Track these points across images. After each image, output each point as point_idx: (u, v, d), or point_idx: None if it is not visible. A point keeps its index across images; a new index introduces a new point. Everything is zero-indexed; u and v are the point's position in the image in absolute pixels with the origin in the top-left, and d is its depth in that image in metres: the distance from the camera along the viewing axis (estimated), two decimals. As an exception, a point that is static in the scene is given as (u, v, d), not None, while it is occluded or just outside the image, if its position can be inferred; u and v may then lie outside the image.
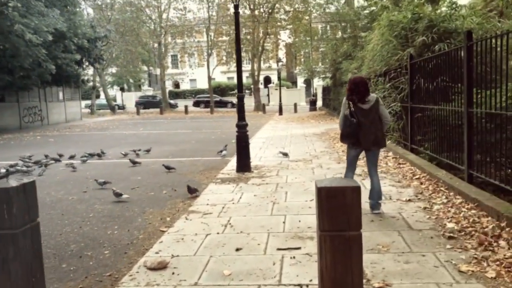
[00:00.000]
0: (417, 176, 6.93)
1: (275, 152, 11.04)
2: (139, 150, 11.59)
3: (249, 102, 47.73)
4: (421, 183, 6.54)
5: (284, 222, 4.98)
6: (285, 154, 10.11)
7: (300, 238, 4.43)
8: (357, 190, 2.07)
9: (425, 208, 5.28)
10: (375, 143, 5.09)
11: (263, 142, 13.39)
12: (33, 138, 17.77)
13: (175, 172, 8.69)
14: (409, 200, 5.69)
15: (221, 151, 10.58)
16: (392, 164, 8.27)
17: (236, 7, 8.10)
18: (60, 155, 11.22)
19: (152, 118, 30.46)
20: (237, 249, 4.16)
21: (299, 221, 4.99)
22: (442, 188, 6.05)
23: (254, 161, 9.48)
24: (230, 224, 4.99)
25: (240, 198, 6.25)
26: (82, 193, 7.11)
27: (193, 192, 6.47)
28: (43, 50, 17.35)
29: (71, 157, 10.84)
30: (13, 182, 2.30)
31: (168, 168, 8.84)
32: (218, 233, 4.67)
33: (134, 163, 9.72)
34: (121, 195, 6.50)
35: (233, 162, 9.33)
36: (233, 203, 5.99)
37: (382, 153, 9.54)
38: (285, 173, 8.05)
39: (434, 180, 6.50)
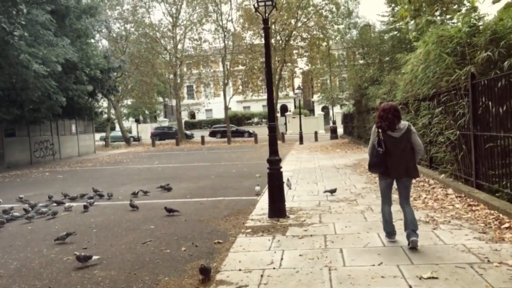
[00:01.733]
0: (506, 225, 5.38)
1: (308, 189, 9.58)
2: (146, 192, 10.16)
3: (266, 131, 46.31)
4: (517, 235, 5.01)
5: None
6: (332, 192, 8.68)
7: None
8: None
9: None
10: (406, 174, 4.90)
11: (290, 177, 11.93)
12: (42, 174, 16.61)
13: (196, 219, 7.27)
14: (517, 263, 4.17)
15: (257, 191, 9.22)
16: (460, 206, 6.72)
17: (265, 21, 6.84)
18: (66, 195, 9.95)
19: (167, 150, 29.31)
20: None
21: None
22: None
23: (286, 201, 8.05)
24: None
25: (282, 259, 4.78)
26: (83, 250, 5.72)
27: (205, 273, 4.36)
28: (53, 82, 16.39)
29: (73, 199, 9.58)
30: None
31: (170, 211, 7.53)
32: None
33: (132, 207, 8.28)
34: (89, 258, 5.02)
35: (262, 204, 7.91)
36: (274, 267, 4.52)
37: (440, 190, 8.02)
38: (329, 219, 6.56)
39: (534, 231, 4.97)
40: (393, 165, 4.83)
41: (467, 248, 4.71)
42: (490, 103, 7.05)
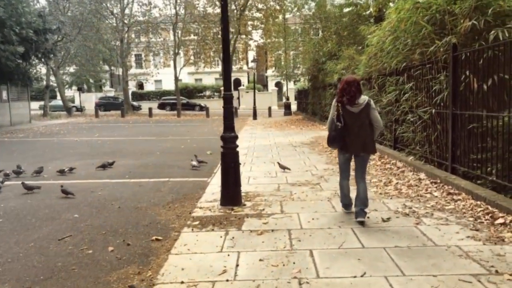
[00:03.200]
0: (500, 220, 4.59)
1: (265, 169, 8.55)
2: (72, 169, 8.82)
3: (218, 106, 45.03)
4: (516, 234, 4.23)
5: None
6: (285, 168, 7.90)
7: None
8: None
9: None
10: (364, 149, 4.84)
11: (245, 155, 10.87)
12: (-39, 145, 14.54)
13: (133, 206, 6.04)
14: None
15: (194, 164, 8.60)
16: (439, 194, 5.92)
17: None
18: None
19: (111, 122, 27.31)
20: None
21: None
22: None
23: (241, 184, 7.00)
24: None
25: (238, 265, 3.71)
26: (-25, 249, 4.37)
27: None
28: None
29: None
30: None
31: (66, 193, 6.42)
32: None
33: (66, 193, 6.59)
34: None
35: (213, 188, 6.80)
36: (227, 279, 3.44)
37: (411, 174, 7.23)
38: (293, 208, 5.56)
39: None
40: (351, 140, 4.77)
41: (464, 252, 3.85)
42: (474, 78, 6.24)
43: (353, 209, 5.01)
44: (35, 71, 26.51)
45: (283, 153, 11.04)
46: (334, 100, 4.91)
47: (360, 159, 4.94)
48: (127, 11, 36.98)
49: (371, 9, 20.64)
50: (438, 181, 6.52)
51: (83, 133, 19.08)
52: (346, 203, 5.27)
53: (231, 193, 5.63)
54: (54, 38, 23.29)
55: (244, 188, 6.71)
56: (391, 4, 16.20)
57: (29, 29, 18.02)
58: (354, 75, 5.84)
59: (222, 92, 5.74)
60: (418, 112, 8.02)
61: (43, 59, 22.63)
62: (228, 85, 5.73)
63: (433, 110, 7.32)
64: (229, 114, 5.69)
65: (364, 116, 4.74)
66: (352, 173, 5.13)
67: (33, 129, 21.44)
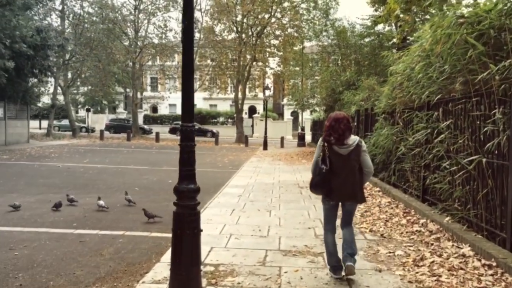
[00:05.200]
0: None
1: (256, 222, 6.62)
2: (17, 207, 7.10)
3: (231, 133, 43.68)
4: None
5: None
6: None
7: None
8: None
9: None
10: (352, 197, 4.30)
11: (239, 197, 8.98)
12: None
13: (43, 281, 4.18)
14: None
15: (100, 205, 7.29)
16: (500, 292, 3.90)
17: None
18: None
19: (113, 146, 25.78)
20: None
21: None
22: None
23: (216, 244, 5.12)
24: None
25: None
26: None
27: None
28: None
29: None
30: None
31: None
32: None
33: None
34: None
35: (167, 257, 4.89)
36: None
37: (450, 246, 5.23)
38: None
39: None
40: (337, 186, 4.24)
41: None
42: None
43: (343, 273, 4.25)
44: (37, 89, 25.28)
45: (285, 197, 9.12)
46: (320, 139, 4.37)
47: (347, 209, 4.38)
48: (141, 33, 36.09)
49: (394, 40, 19.10)
50: (494, 264, 4.50)
51: (74, 157, 17.45)
52: (334, 264, 4.30)
53: (184, 278, 3.71)
54: (54, 55, 21.99)
55: (217, 256, 4.80)
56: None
57: (22, 44, 16.69)
58: (343, 112, 4.66)
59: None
60: (458, 159, 6.07)
61: (38, 76, 21.24)
62: (189, 112, 3.91)
63: (484, 160, 5.34)
64: (189, 156, 3.84)
65: (354, 159, 4.23)
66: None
67: (25, 151, 19.95)
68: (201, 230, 3.85)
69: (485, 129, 5.32)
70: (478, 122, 5.67)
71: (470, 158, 5.60)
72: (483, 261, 4.64)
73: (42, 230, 5.96)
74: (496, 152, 5.19)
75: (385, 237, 5.87)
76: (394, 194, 8.76)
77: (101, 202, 7.43)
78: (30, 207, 7.48)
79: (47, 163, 14.99)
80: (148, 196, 8.99)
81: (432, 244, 5.44)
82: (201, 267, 4.32)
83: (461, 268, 4.50)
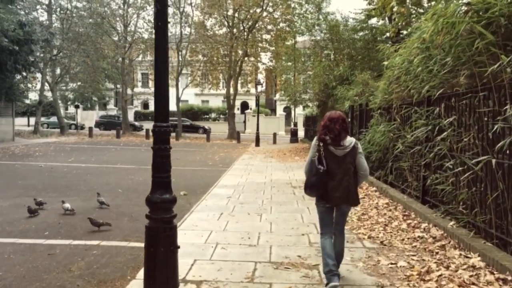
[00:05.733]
0: None
1: (246, 227, 6.11)
2: None
3: (223, 129, 43.11)
4: None
5: None
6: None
7: None
8: None
9: None
10: (348, 200, 4.07)
11: (228, 198, 8.47)
12: None
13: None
14: None
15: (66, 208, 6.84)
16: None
17: None
18: None
19: (102, 143, 25.12)
20: None
21: None
22: None
23: (200, 256, 4.61)
24: None
25: None
26: None
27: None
28: None
29: None
30: None
31: None
32: None
33: None
34: None
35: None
36: None
37: (458, 256, 4.76)
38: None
39: None
40: (332, 189, 4.00)
41: None
42: None
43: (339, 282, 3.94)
44: (23, 85, 24.53)
45: (277, 198, 8.62)
46: (315, 139, 4.18)
47: (341, 212, 4.22)
48: (131, 27, 35.33)
49: (388, 34, 18.68)
50: (509, 277, 4.03)
51: (59, 156, 16.82)
52: (331, 269, 3.89)
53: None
54: (39, 50, 21.26)
55: (200, 270, 4.30)
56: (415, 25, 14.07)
57: (4, 38, 16.00)
58: (339, 111, 4.51)
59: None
60: (463, 159, 5.60)
61: (23, 73, 20.52)
62: (163, 111, 3.38)
63: (493, 160, 4.87)
64: (163, 160, 3.32)
65: (349, 162, 4.06)
66: None
67: (8, 149, 19.27)
68: (178, 247, 3.34)
69: (495, 127, 4.84)
70: (486, 119, 5.20)
71: (479, 159, 5.12)
72: (496, 274, 4.17)
73: (9, 241, 5.41)
74: (508, 152, 4.72)
75: (385, 245, 5.38)
76: (392, 195, 8.29)
77: (67, 205, 6.91)
78: (1, 212, 6.92)
79: (29, 163, 14.36)
80: (130, 199, 8.44)
81: (437, 253, 4.97)
82: (182, 285, 3.83)
83: (473, 283, 4.03)
